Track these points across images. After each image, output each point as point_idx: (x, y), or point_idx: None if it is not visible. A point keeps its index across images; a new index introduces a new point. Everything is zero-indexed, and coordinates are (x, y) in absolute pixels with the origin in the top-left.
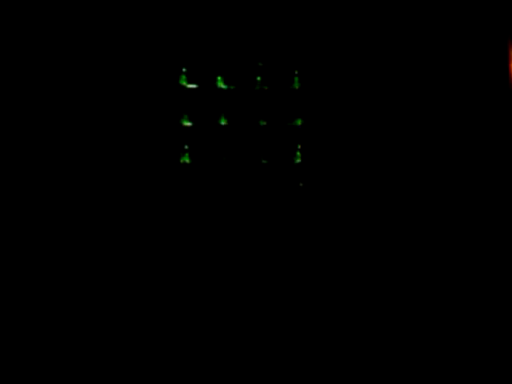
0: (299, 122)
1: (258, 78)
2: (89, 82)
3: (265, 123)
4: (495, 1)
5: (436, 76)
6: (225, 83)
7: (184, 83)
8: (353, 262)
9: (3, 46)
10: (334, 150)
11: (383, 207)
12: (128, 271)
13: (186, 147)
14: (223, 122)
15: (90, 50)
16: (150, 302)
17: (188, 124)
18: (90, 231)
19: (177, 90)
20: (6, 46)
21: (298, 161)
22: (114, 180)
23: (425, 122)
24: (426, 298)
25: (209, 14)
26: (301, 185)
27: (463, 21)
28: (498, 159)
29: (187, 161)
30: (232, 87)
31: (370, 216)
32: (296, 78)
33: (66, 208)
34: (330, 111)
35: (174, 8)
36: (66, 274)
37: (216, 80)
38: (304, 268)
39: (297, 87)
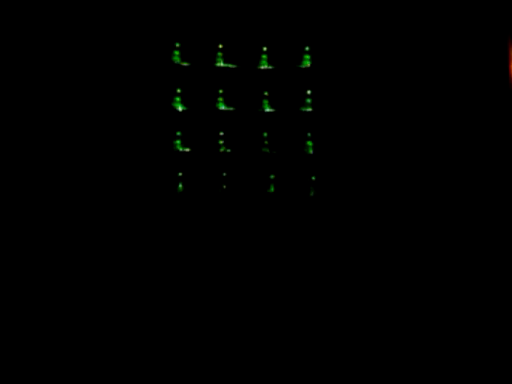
0: (309, 108)
1: (264, 56)
2: (75, 66)
3: (270, 109)
4: (495, 1)
5: (436, 76)
6: (224, 62)
7: (177, 60)
8: (360, 259)
9: None
10: (349, 139)
11: (386, 205)
12: (123, 262)
13: (179, 134)
14: (222, 107)
15: (77, 30)
16: (148, 296)
17: (182, 108)
18: (81, 221)
19: (169, 69)
20: None
21: (310, 151)
22: (105, 171)
23: (425, 121)
24: (428, 296)
25: None
26: (313, 178)
27: (463, 21)
28: (498, 159)
29: (181, 149)
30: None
31: (373, 216)
32: (307, 56)
33: (55, 197)
34: (348, 94)
35: None
36: (59, 273)
37: (215, 57)
38: (307, 264)
39: (305, 66)
